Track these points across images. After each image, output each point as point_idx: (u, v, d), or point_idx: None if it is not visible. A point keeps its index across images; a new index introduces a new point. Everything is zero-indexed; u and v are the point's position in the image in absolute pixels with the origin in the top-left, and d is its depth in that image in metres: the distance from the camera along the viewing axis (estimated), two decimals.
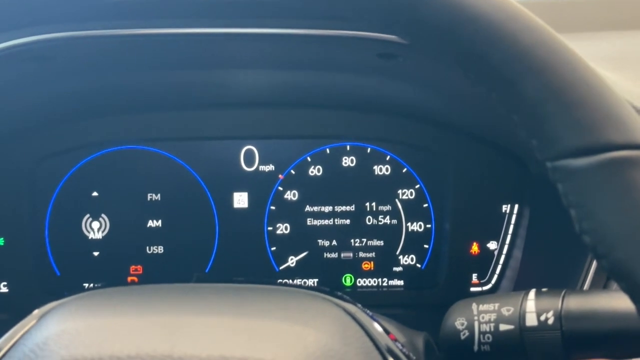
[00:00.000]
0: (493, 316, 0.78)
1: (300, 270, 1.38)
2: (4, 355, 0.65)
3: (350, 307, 0.75)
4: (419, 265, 1.38)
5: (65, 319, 0.67)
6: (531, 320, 0.76)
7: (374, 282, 1.39)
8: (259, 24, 1.02)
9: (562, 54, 0.53)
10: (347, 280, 1.39)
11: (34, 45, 1.00)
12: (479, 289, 1.37)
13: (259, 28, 1.02)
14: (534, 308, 0.76)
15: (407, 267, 1.39)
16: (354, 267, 1.39)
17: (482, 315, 0.79)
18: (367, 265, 1.39)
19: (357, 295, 1.37)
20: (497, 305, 0.79)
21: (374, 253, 1.38)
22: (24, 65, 1.08)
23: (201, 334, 0.62)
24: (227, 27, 1.02)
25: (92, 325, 0.65)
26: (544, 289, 0.78)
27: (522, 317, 0.77)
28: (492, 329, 0.78)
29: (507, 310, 0.78)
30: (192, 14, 1.01)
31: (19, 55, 1.02)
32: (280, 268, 1.38)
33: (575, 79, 0.52)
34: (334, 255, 1.38)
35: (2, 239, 1.33)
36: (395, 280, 1.39)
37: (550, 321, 0.75)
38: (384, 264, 1.39)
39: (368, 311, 0.77)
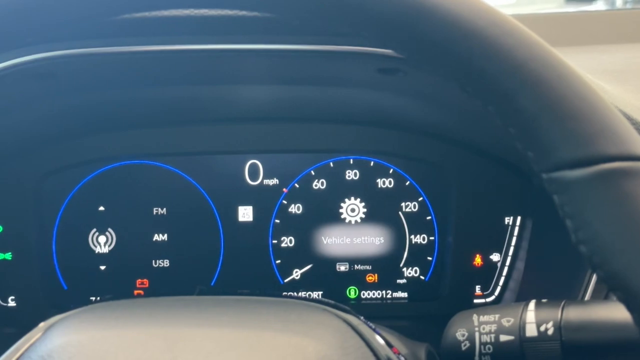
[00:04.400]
0: (493, 327, 0.79)
1: (305, 283, 1.39)
2: None
3: (352, 319, 0.75)
4: (422, 278, 1.39)
5: (69, 331, 0.68)
6: (531, 331, 0.76)
7: (378, 294, 1.39)
8: (261, 40, 1.03)
9: (556, 67, 0.54)
10: (352, 292, 1.39)
11: (37, 63, 1.01)
12: (482, 300, 1.37)
13: (262, 44, 1.03)
14: (534, 319, 0.77)
15: (411, 280, 1.39)
16: (358, 280, 1.39)
17: (482, 326, 0.80)
18: (371, 278, 1.39)
19: (362, 308, 1.37)
20: (497, 316, 0.79)
21: (377, 266, 1.39)
22: (29, 82, 1.09)
23: (202, 346, 0.63)
24: (230, 43, 1.04)
25: (95, 337, 0.66)
26: (543, 300, 0.79)
27: (522, 327, 0.77)
28: (493, 340, 0.78)
29: (507, 321, 0.78)
30: (195, 30, 1.02)
31: (23, 73, 1.03)
32: (285, 281, 1.38)
33: (569, 92, 0.53)
34: (338, 267, 1.39)
35: (9, 253, 1.34)
36: (399, 292, 1.39)
37: (550, 332, 0.75)
38: (388, 277, 1.39)
39: (371, 324, 0.78)
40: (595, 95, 0.54)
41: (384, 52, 0.99)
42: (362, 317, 0.78)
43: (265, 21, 0.99)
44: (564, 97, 0.53)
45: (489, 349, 0.78)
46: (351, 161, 1.37)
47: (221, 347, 0.63)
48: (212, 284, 1.38)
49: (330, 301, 0.80)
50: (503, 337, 0.78)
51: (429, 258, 1.39)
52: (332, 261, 1.39)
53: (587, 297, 1.03)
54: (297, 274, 1.39)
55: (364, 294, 1.39)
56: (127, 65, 1.09)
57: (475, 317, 0.81)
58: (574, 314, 0.76)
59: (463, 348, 0.80)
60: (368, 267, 1.39)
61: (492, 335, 0.79)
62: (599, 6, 2.21)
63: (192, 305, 0.76)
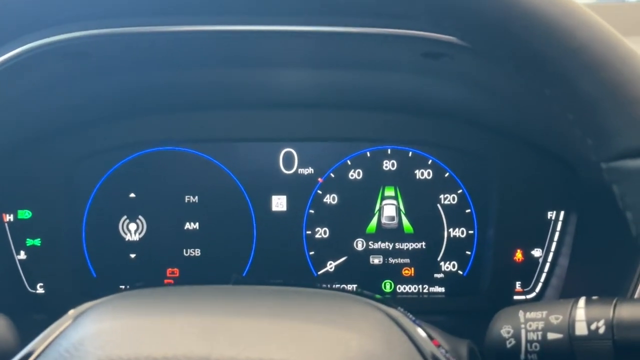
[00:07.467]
0: (541, 324, 0.76)
1: (339, 276, 1.37)
2: (39, 355, 0.64)
3: (393, 311, 0.74)
4: (460, 272, 1.36)
5: (101, 319, 0.67)
6: (581, 329, 0.73)
7: (414, 288, 1.37)
8: (301, 21, 1.00)
9: (620, 50, 0.52)
10: (387, 286, 1.37)
11: (70, 42, 0.99)
12: (522, 297, 1.35)
13: (301, 25, 1.00)
14: (584, 317, 0.74)
15: (448, 274, 1.36)
16: (394, 273, 1.37)
17: (529, 324, 0.77)
18: (407, 272, 1.37)
19: (397, 302, 1.34)
20: (545, 313, 0.76)
21: (414, 259, 1.36)
22: (60, 63, 1.07)
23: (239, 336, 0.61)
24: (268, 24, 1.01)
25: (128, 325, 0.64)
26: (594, 297, 0.76)
27: (571, 325, 0.74)
28: (540, 338, 0.75)
29: (555, 319, 0.75)
30: (232, 10, 0.99)
31: (55, 52, 1.01)
32: (319, 273, 1.37)
33: (634, 76, 0.51)
34: (374, 260, 1.36)
35: (38, 239, 1.33)
36: (436, 287, 1.37)
37: (602, 330, 0.72)
38: (425, 270, 1.37)
39: (411, 316, 0.75)
40: None
41: (431, 35, 0.96)
42: (401, 309, 0.76)
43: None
44: (627, 81, 0.51)
45: (535, 347, 0.75)
46: (389, 151, 1.35)
47: (261, 338, 0.61)
48: (244, 274, 1.36)
49: (369, 293, 0.78)
50: (551, 335, 0.75)
51: (468, 252, 1.36)
52: (367, 253, 1.36)
53: (636, 295, 1.00)
54: (331, 266, 1.36)
55: (399, 288, 1.37)
56: (161, 46, 1.07)
57: (521, 313, 0.78)
58: (627, 312, 0.72)
59: (508, 345, 0.77)
60: (404, 261, 1.36)
61: (540, 333, 0.75)
62: None
63: (229, 294, 0.75)
